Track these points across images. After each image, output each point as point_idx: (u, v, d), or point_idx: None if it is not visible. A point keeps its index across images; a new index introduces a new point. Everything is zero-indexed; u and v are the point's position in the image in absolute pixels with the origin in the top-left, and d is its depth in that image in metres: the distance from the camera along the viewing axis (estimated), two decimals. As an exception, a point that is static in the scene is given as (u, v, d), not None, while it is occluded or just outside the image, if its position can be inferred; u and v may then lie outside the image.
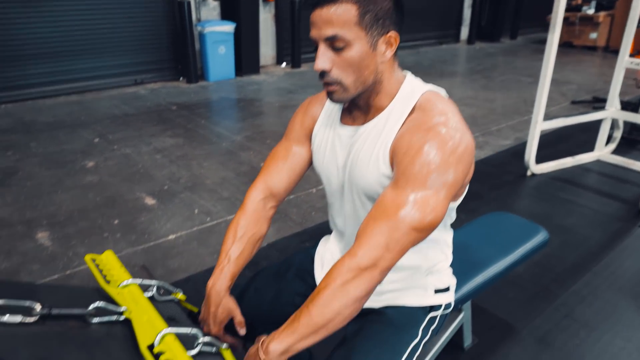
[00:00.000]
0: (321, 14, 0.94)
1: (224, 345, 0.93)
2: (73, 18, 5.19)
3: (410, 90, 1.03)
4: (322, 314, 0.88)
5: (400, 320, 1.13)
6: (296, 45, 6.69)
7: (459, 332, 1.76)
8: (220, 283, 1.09)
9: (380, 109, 1.05)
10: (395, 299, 1.17)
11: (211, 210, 2.82)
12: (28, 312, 0.76)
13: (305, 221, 2.73)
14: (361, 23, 0.94)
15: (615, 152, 3.69)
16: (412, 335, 1.13)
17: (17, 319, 0.74)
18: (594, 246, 2.51)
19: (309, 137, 1.23)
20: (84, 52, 5.37)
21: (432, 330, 1.19)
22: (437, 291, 1.20)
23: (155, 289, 1.01)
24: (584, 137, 4.06)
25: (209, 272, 2.24)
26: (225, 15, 6.15)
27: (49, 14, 5.03)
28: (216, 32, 5.79)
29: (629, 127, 4.09)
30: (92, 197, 2.98)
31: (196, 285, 2.14)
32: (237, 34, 6.02)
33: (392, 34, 0.98)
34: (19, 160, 3.49)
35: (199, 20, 6.01)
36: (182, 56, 5.84)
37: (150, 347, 0.79)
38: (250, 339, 1.05)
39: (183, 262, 2.33)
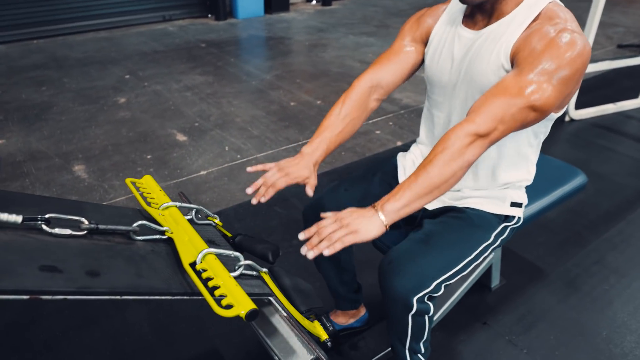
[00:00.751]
0: None
1: (264, 269, 0.96)
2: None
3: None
4: (441, 174, 0.95)
5: (478, 222, 1.22)
6: (327, -19, 6.43)
7: (487, 273, 1.77)
8: (314, 149, 1.19)
9: (503, 14, 1.09)
10: (476, 204, 1.25)
11: (241, 148, 2.83)
12: (76, 226, 0.79)
13: (335, 160, 2.72)
14: None
15: (661, 99, 3.51)
16: (486, 237, 1.22)
17: (67, 232, 0.77)
18: (630, 195, 2.44)
19: (424, 40, 1.28)
20: (112, -13, 5.30)
21: (502, 240, 1.27)
22: (512, 204, 1.27)
23: (194, 212, 1.03)
24: (628, 83, 3.86)
25: (240, 207, 2.30)
26: (255, -52, 5.92)
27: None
28: (245, -34, 5.60)
29: (679, 73, 3.87)
30: (125, 132, 3.02)
31: (228, 219, 2.19)
32: (267, -31, 5.81)
33: None
34: (54, 95, 3.54)
35: (227, -47, 5.80)
36: (211, -8, 5.70)
37: (193, 265, 0.82)
38: None
39: (215, 196, 2.38)
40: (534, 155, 1.26)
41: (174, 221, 0.94)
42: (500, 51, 1.07)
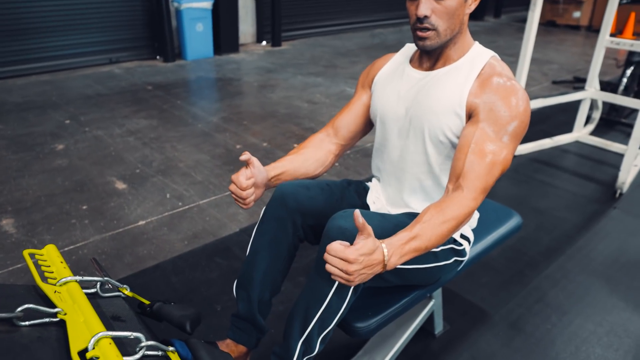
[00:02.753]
0: None
1: (171, 349, 0.88)
2: (42, -7, 4.98)
3: (480, 50, 1.24)
4: (433, 242, 1.08)
5: None
6: (277, 22, 6.53)
7: (430, 319, 1.74)
8: (272, 167, 1.33)
9: (451, 60, 1.23)
10: None
11: (183, 195, 2.75)
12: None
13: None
14: None
15: (594, 133, 3.69)
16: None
17: None
18: (568, 229, 2.50)
19: (371, 85, 1.41)
20: (56, 30, 5.17)
21: (446, 266, 1.33)
22: (462, 235, 1.36)
23: (98, 285, 0.95)
24: (563, 117, 4.04)
25: (179, 259, 2.20)
26: (203, -9, 5.96)
27: (17, -11, 4.82)
28: (193, 8, 5.61)
29: (608, 107, 4.08)
30: (60, 181, 2.88)
31: (165, 272, 2.09)
32: (216, 11, 5.85)
33: None
34: (-15, 143, 3.36)
35: (175, -4, 5.81)
36: (159, 34, 5.66)
37: (83, 353, 0.74)
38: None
39: (152, 248, 2.27)
40: None
41: (70, 299, 0.86)
42: (452, 97, 1.19)
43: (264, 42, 6.82)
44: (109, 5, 5.41)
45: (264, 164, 1.34)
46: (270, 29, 6.63)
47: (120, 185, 2.84)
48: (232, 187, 1.23)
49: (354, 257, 0.95)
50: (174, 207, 2.63)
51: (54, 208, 2.60)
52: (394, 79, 1.33)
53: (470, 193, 1.12)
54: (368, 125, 1.47)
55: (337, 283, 1.11)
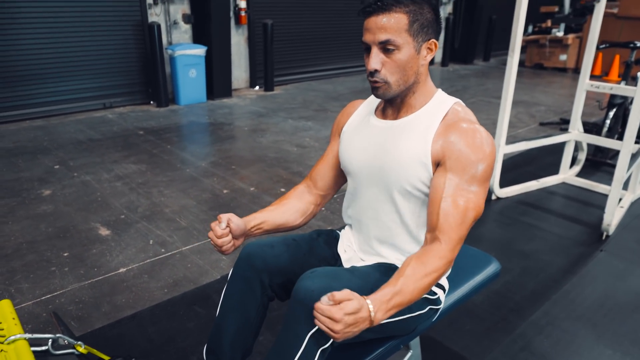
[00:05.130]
0: (376, 21, 1.13)
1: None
2: (41, 41, 5.11)
3: (443, 98, 1.25)
4: (416, 295, 1.09)
5: None
6: (269, 68, 6.69)
7: (409, 370, 1.69)
8: (251, 218, 1.33)
9: (414, 108, 1.24)
10: None
11: (166, 241, 2.72)
12: None
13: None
14: (410, 30, 1.13)
15: (580, 174, 3.71)
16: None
17: None
18: (554, 273, 2.47)
19: (340, 134, 1.43)
20: (51, 76, 5.28)
21: (421, 317, 1.31)
22: (436, 284, 1.34)
23: (50, 342, 0.92)
24: (550, 159, 4.08)
25: (157, 308, 2.16)
26: (197, 38, 6.13)
27: (16, 37, 4.95)
28: (187, 55, 5.76)
29: (594, 148, 4.13)
30: (43, 228, 2.86)
31: (143, 322, 2.04)
32: (209, 57, 6.00)
33: (433, 41, 1.18)
34: (-28, 189, 3.36)
35: (170, 43, 5.97)
36: (153, 80, 5.78)
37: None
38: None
39: (131, 296, 2.23)
40: None
41: (16, 358, 0.83)
42: (417, 147, 1.19)
43: (257, 87, 6.95)
44: (104, 51, 5.55)
45: (251, 208, 1.36)
46: (263, 74, 6.78)
47: (104, 232, 2.83)
48: (210, 234, 1.26)
49: (339, 317, 0.96)
50: (156, 253, 2.60)
51: (35, 255, 2.57)
52: (360, 130, 1.34)
53: (447, 245, 1.13)
54: (343, 175, 1.48)
55: (304, 345, 1.08)
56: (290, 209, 1.43)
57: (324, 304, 0.98)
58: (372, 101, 1.39)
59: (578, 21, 8.97)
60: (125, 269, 2.45)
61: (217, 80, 6.18)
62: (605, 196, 3.17)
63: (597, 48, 3.40)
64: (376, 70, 1.16)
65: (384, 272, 1.25)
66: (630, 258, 2.63)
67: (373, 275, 1.20)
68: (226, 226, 1.25)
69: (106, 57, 5.59)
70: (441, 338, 1.96)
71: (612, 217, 2.80)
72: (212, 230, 1.25)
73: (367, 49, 1.17)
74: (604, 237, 2.83)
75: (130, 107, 5.81)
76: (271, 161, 4.04)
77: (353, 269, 1.24)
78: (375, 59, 1.15)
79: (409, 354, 1.60)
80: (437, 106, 1.23)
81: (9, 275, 2.39)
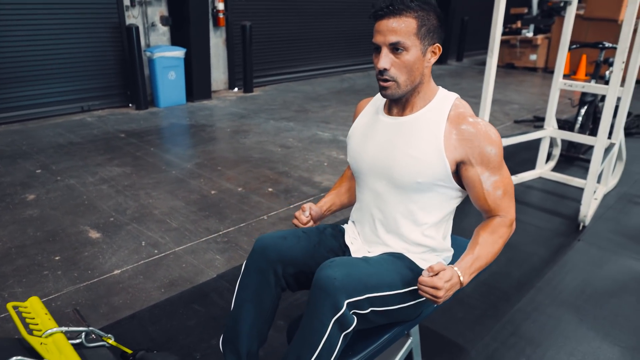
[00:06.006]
0: (387, 24, 1.22)
1: (156, 394, 0.90)
2: (16, 43, 5.01)
3: (445, 94, 1.35)
4: (491, 257, 1.31)
5: (411, 267, 1.35)
6: (248, 69, 6.71)
7: (408, 357, 1.76)
8: (323, 203, 1.58)
9: (419, 106, 1.33)
10: (415, 259, 1.40)
11: (159, 242, 2.74)
12: None
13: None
14: (418, 34, 1.23)
15: (556, 169, 3.87)
16: (413, 282, 1.31)
17: None
18: (537, 262, 2.60)
19: None
20: (27, 79, 5.18)
21: (427, 301, 1.38)
22: None
23: (83, 335, 0.96)
24: (526, 155, 4.24)
25: (156, 308, 2.18)
26: (175, 40, 6.11)
27: (-13, 41, 4.84)
28: (166, 57, 5.73)
29: (567, 144, 4.31)
30: (31, 232, 2.84)
31: (142, 322, 2.06)
32: (188, 59, 5.98)
33: (437, 45, 1.28)
34: (-48, 195, 3.29)
35: (148, 45, 5.94)
36: (131, 82, 5.74)
37: (72, 403, 0.75)
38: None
39: (128, 297, 2.24)
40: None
41: (57, 350, 0.87)
42: (428, 141, 1.29)
43: (236, 89, 6.96)
44: (81, 54, 5.48)
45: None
46: (242, 75, 6.80)
47: (94, 234, 2.82)
48: (295, 221, 1.50)
49: (440, 285, 1.14)
50: (150, 254, 2.61)
51: (25, 259, 2.55)
52: (369, 126, 1.43)
53: (507, 213, 1.36)
54: None
55: (329, 330, 1.14)
56: (350, 189, 1.64)
57: (425, 277, 1.16)
58: (379, 99, 1.47)
59: (546, 22, 9.30)
60: (119, 271, 2.46)
61: (197, 82, 6.17)
62: (580, 189, 3.33)
63: (568, 48, 3.56)
64: (385, 69, 1.24)
65: (393, 260, 1.33)
66: (606, 246, 2.77)
67: (385, 263, 1.28)
68: (309, 214, 1.47)
69: (84, 60, 5.52)
70: (436, 327, 2.05)
71: (588, 208, 2.95)
72: (297, 219, 1.49)
73: (377, 50, 1.26)
74: (580, 227, 2.98)
75: (108, 110, 5.74)
76: (256, 162, 4.07)
77: (365, 258, 1.31)
78: (385, 59, 1.23)
79: (410, 341, 1.67)
80: (441, 102, 1.33)
81: (0, 281, 2.37)
